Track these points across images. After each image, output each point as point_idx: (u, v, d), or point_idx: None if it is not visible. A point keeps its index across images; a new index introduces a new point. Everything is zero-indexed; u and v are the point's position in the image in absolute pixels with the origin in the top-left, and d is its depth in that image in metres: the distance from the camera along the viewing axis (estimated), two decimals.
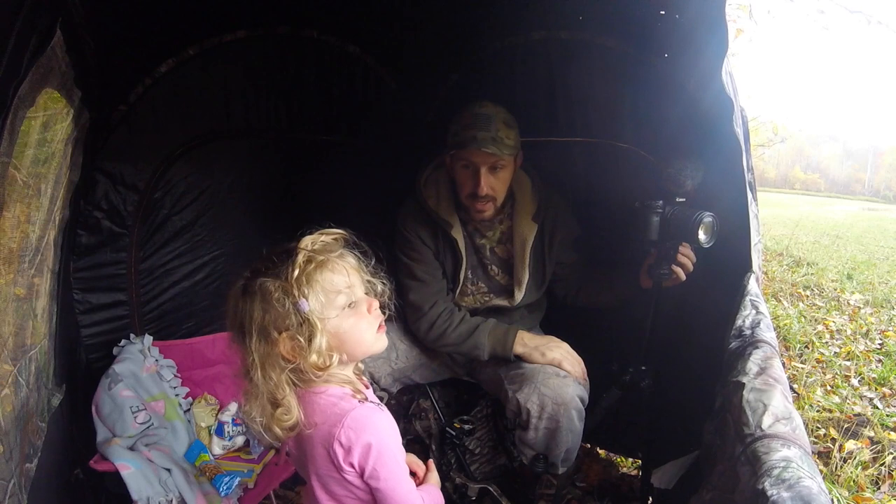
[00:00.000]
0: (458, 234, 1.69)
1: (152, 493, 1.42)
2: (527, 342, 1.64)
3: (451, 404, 1.94)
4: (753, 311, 1.22)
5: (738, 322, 1.21)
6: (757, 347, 1.12)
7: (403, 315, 1.74)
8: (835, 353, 3.54)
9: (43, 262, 1.30)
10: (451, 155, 1.63)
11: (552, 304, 1.93)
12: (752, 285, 1.28)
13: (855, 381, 3.11)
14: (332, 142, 2.20)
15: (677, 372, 1.59)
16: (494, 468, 1.82)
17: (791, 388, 2.36)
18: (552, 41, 1.88)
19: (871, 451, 2.33)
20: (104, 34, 1.36)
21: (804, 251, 7.46)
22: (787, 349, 3.56)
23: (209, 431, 1.81)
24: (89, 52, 1.31)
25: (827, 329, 4.02)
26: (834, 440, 2.41)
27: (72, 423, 1.48)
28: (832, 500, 1.93)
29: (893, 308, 4.67)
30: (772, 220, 11.28)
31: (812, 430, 2.50)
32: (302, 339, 0.87)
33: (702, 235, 1.35)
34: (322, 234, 0.93)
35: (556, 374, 1.56)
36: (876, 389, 3.02)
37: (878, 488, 2.13)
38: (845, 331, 4.00)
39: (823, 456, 2.30)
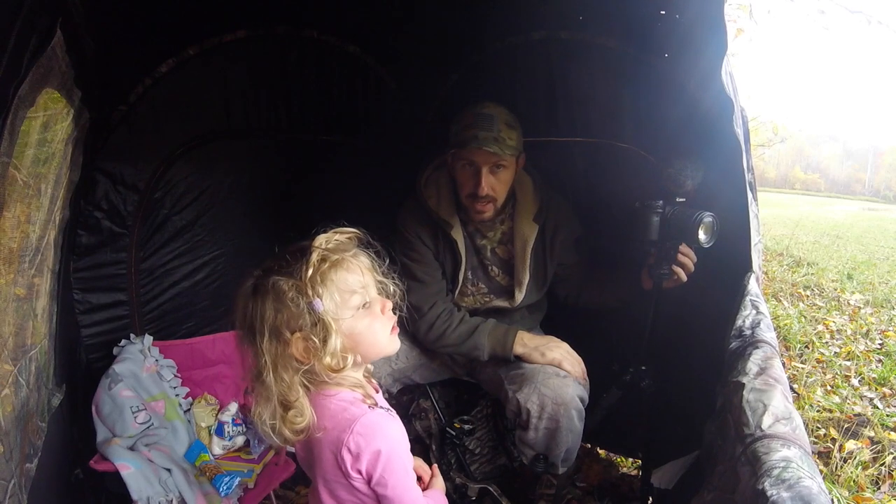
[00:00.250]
0: (458, 235, 1.69)
1: (152, 493, 1.42)
2: (526, 342, 1.64)
3: (451, 404, 1.93)
4: (754, 311, 1.22)
5: (739, 322, 1.21)
6: (757, 347, 1.12)
7: (403, 315, 1.73)
8: (835, 353, 3.54)
9: (43, 262, 1.30)
10: (452, 154, 1.63)
11: (553, 304, 1.93)
12: (753, 285, 1.28)
13: (855, 381, 3.11)
14: (332, 142, 2.20)
15: (677, 372, 1.59)
16: (494, 468, 1.82)
17: (791, 388, 2.36)
18: (552, 41, 1.88)
19: (871, 451, 2.32)
20: (104, 34, 1.36)
21: (804, 251, 7.46)
22: (788, 349, 3.56)
23: (209, 431, 1.81)
24: (89, 52, 1.31)
25: (827, 329, 4.02)
26: (834, 440, 2.41)
27: (72, 423, 1.48)
28: (832, 500, 1.93)
29: (893, 308, 4.66)
30: (772, 220, 11.28)
31: (812, 430, 2.50)
32: (316, 340, 0.85)
33: (702, 235, 1.35)
34: (336, 232, 0.92)
35: (556, 374, 1.56)
36: (876, 389, 3.01)
37: (878, 488, 2.13)
38: (845, 331, 4.00)
39: (823, 456, 2.30)
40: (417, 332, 1.71)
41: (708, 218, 1.34)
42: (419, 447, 1.85)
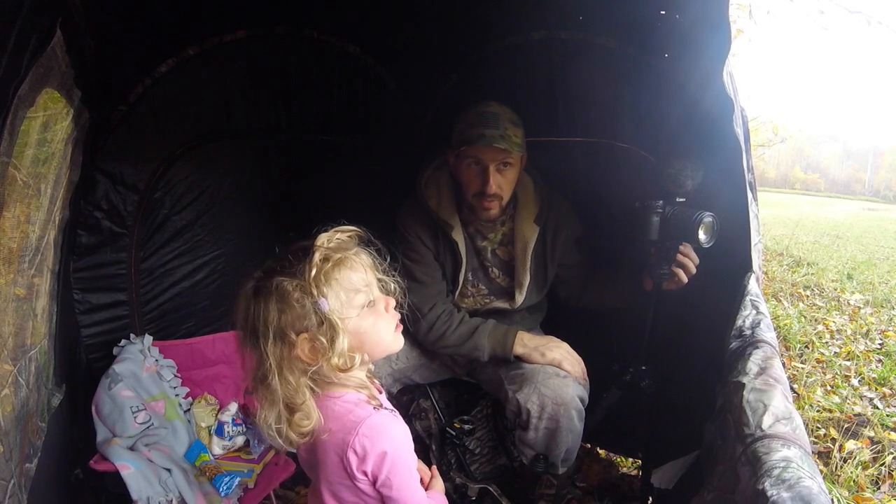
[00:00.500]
0: (458, 236, 1.68)
1: (152, 493, 1.42)
2: (527, 343, 1.64)
3: (451, 404, 1.93)
4: (754, 311, 1.22)
5: (739, 322, 1.21)
6: (757, 347, 1.12)
7: (404, 315, 1.73)
8: (835, 353, 3.54)
9: (43, 262, 1.30)
10: (456, 154, 1.62)
11: (553, 304, 1.93)
12: (753, 285, 1.28)
13: (855, 381, 3.11)
14: (332, 142, 2.20)
15: (677, 372, 1.59)
16: (494, 468, 1.82)
17: (791, 388, 2.36)
18: (552, 41, 1.88)
19: (871, 451, 2.32)
20: (104, 34, 1.36)
21: (804, 251, 7.46)
22: (788, 349, 3.56)
23: (209, 431, 1.81)
24: (89, 52, 1.31)
25: (827, 329, 4.02)
26: (834, 440, 2.41)
27: (72, 423, 1.48)
28: (832, 500, 1.93)
29: (893, 308, 4.66)
30: (772, 220, 11.28)
31: (812, 430, 2.50)
32: (324, 340, 0.85)
33: (702, 235, 1.34)
34: (337, 231, 0.91)
35: (556, 374, 1.56)
36: (876, 389, 3.01)
37: (878, 488, 2.13)
38: (845, 331, 4.00)
39: (823, 456, 2.30)
40: (417, 333, 1.70)
41: (708, 218, 1.34)
42: (419, 447, 1.85)
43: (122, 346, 1.74)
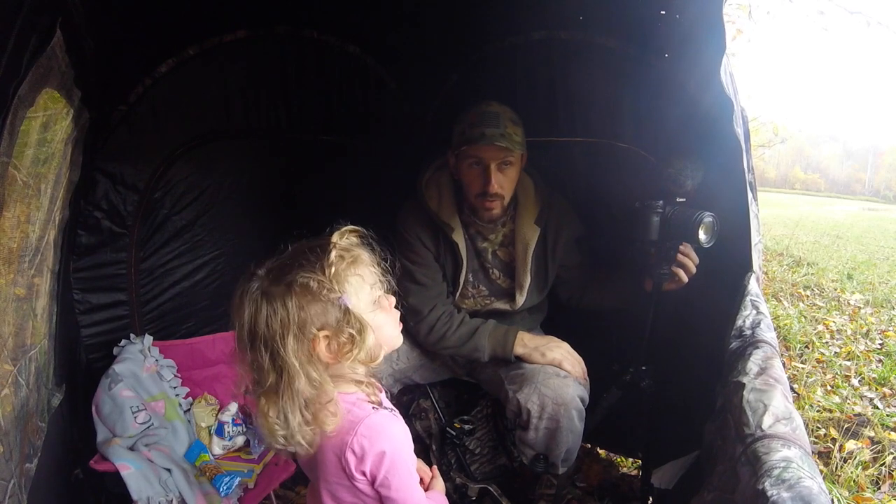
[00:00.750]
0: (459, 238, 1.68)
1: (152, 493, 1.42)
2: (527, 343, 1.64)
3: (451, 404, 1.93)
4: (754, 312, 1.22)
5: (739, 322, 1.21)
6: (757, 347, 1.12)
7: (403, 316, 1.73)
8: (835, 353, 3.54)
9: (43, 262, 1.30)
10: (457, 154, 1.62)
11: (553, 304, 1.93)
12: (753, 285, 1.28)
13: (855, 381, 3.11)
14: (332, 142, 2.20)
15: (677, 372, 1.59)
16: (495, 468, 1.82)
17: (791, 388, 2.36)
18: (552, 41, 1.88)
19: (871, 451, 2.32)
20: (104, 34, 1.36)
21: (804, 251, 7.46)
22: (788, 349, 3.56)
23: (209, 431, 1.81)
24: (89, 52, 1.31)
25: (827, 329, 4.02)
26: (834, 440, 2.41)
27: (72, 423, 1.48)
28: (832, 500, 1.93)
29: (894, 308, 4.66)
30: (772, 220, 11.28)
31: (812, 430, 2.50)
32: (353, 333, 0.85)
33: (702, 235, 1.34)
34: (347, 231, 0.92)
35: (557, 374, 1.56)
36: (876, 389, 3.01)
37: (879, 488, 2.13)
38: (845, 331, 4.00)
39: (824, 456, 2.30)
40: (418, 334, 1.70)
41: (708, 218, 1.34)
42: (419, 447, 1.85)
43: (122, 346, 1.74)
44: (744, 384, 1.04)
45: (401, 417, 0.96)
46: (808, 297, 4.98)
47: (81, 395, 1.59)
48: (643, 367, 1.55)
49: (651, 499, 1.57)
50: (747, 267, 1.31)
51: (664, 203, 1.42)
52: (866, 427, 2.50)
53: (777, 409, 0.96)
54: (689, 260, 1.45)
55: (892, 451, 2.28)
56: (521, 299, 1.73)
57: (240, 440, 1.82)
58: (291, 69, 2.01)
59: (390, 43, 2.13)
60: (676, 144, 1.60)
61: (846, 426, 2.49)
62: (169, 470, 1.50)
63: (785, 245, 7.39)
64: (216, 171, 1.97)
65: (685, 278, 1.46)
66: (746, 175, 1.30)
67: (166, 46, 1.71)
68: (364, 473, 0.86)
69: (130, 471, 1.41)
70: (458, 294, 1.75)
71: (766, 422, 0.94)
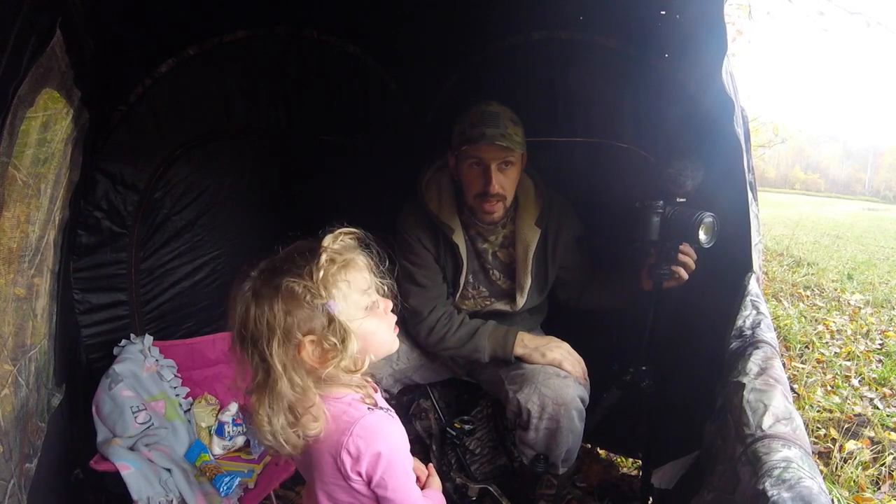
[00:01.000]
0: (459, 239, 1.68)
1: (152, 493, 1.42)
2: (527, 343, 1.64)
3: (451, 404, 1.93)
4: (754, 312, 1.22)
5: (739, 322, 1.21)
6: (757, 348, 1.12)
7: (403, 317, 1.73)
8: (835, 353, 3.54)
9: (43, 262, 1.30)
10: (457, 154, 1.62)
11: (554, 305, 1.93)
12: (753, 285, 1.28)
13: (855, 382, 3.11)
14: (331, 142, 2.20)
15: (678, 372, 1.59)
16: (495, 468, 1.82)
17: (791, 388, 2.36)
18: (552, 41, 1.88)
19: (871, 451, 2.32)
20: (104, 34, 1.36)
21: (804, 251, 7.46)
22: (788, 349, 3.56)
23: (209, 431, 1.81)
24: (89, 52, 1.31)
25: (827, 329, 4.02)
26: (834, 440, 2.41)
27: (72, 423, 1.48)
28: (832, 500, 1.93)
29: (894, 308, 4.66)
30: (772, 220, 11.28)
31: (812, 431, 2.50)
32: (335, 341, 0.83)
33: (702, 235, 1.34)
34: (341, 233, 0.90)
35: (557, 374, 1.56)
36: (876, 389, 3.01)
37: (879, 488, 2.13)
38: (845, 331, 4.00)
39: (824, 456, 2.30)
40: (418, 335, 1.70)
41: (708, 218, 1.34)
42: (419, 447, 1.85)
43: (123, 346, 1.74)
44: (744, 384, 1.04)
45: (397, 417, 0.95)
46: (808, 297, 4.98)
47: (81, 395, 1.58)
48: (643, 368, 1.55)
49: (651, 499, 1.57)
50: (747, 267, 1.31)
51: (664, 203, 1.42)
52: (866, 427, 2.50)
53: (777, 409, 0.96)
54: (689, 259, 1.45)
55: (892, 451, 2.28)
56: (521, 300, 1.73)
57: (240, 440, 1.82)
58: (291, 69, 2.01)
59: (390, 43, 2.13)
60: (676, 144, 1.60)
61: (846, 426, 2.49)
62: (169, 470, 1.50)
63: (785, 245, 7.39)
64: (216, 171, 1.97)
65: (685, 275, 1.46)
66: (746, 175, 1.30)
67: (166, 46, 1.71)
68: (360, 474, 0.86)
69: (130, 471, 1.41)
70: (458, 295, 1.75)
71: (767, 422, 0.94)
